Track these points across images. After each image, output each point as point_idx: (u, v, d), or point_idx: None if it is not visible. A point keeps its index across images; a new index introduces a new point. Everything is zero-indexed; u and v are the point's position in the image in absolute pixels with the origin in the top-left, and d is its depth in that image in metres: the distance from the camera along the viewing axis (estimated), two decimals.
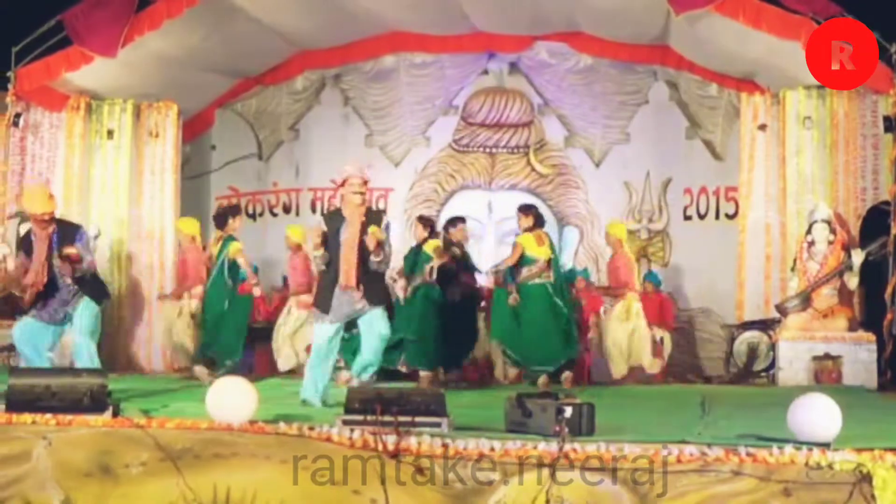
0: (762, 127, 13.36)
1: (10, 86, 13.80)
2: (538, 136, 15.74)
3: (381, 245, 8.72)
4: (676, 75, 15.14)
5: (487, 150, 15.79)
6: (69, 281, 9.06)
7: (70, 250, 8.94)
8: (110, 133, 14.20)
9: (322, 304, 8.92)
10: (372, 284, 8.92)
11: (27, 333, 9.12)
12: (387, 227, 8.96)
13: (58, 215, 9.39)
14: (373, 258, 8.73)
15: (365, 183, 8.92)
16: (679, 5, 12.37)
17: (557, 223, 15.40)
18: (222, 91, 16.15)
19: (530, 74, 15.79)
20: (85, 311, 9.16)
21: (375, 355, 9.02)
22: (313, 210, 15.88)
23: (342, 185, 8.94)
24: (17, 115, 13.93)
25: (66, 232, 9.13)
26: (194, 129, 15.92)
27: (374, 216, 8.97)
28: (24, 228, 9.51)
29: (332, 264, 8.85)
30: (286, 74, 16.24)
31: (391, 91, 16.05)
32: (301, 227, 13.83)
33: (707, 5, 12.16)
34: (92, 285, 9.33)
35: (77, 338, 9.20)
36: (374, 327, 8.88)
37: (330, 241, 8.85)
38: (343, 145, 15.85)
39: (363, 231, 8.74)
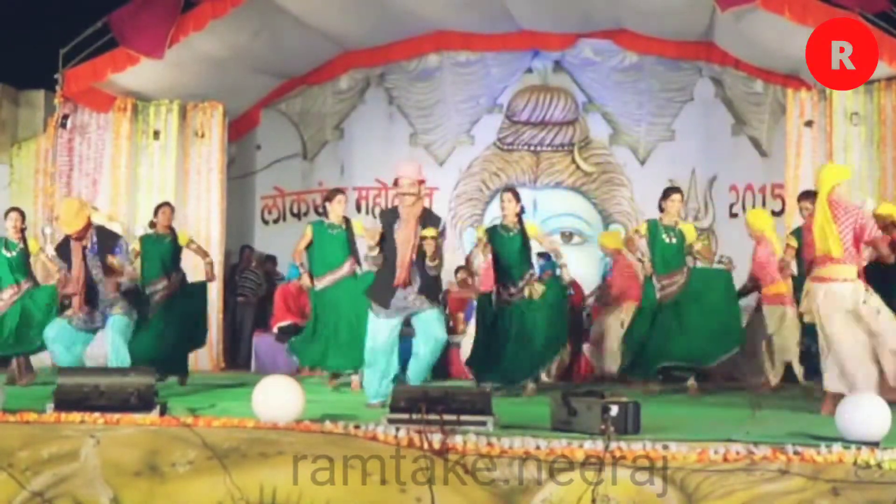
0: (809, 123, 13.20)
1: (57, 87, 13.94)
2: (583, 133, 15.72)
3: (438, 250, 8.59)
4: (722, 72, 15.06)
5: (532, 148, 15.78)
6: (108, 291, 9.13)
7: (112, 262, 9.01)
8: (156, 134, 14.30)
9: (380, 300, 8.75)
10: (428, 283, 8.79)
11: (58, 334, 9.23)
12: (443, 231, 8.79)
13: (101, 219, 9.42)
14: (428, 262, 8.59)
15: (421, 182, 8.80)
16: (724, 1, 12.29)
17: (602, 221, 15.37)
18: (267, 91, 16.23)
19: (575, 72, 15.76)
20: (118, 316, 9.24)
21: (431, 360, 8.85)
22: (358, 209, 15.86)
23: (394, 184, 8.88)
24: (65, 117, 14.07)
25: (105, 242, 9.17)
26: (240, 129, 16.01)
27: (431, 218, 8.84)
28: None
29: (387, 262, 8.74)
30: (330, 74, 16.29)
31: (435, 90, 16.06)
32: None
33: (752, 1, 12.08)
34: (132, 296, 9.42)
35: (108, 336, 9.23)
36: (431, 331, 8.69)
37: (386, 239, 8.77)
38: (388, 144, 15.89)
39: (418, 231, 8.63)
